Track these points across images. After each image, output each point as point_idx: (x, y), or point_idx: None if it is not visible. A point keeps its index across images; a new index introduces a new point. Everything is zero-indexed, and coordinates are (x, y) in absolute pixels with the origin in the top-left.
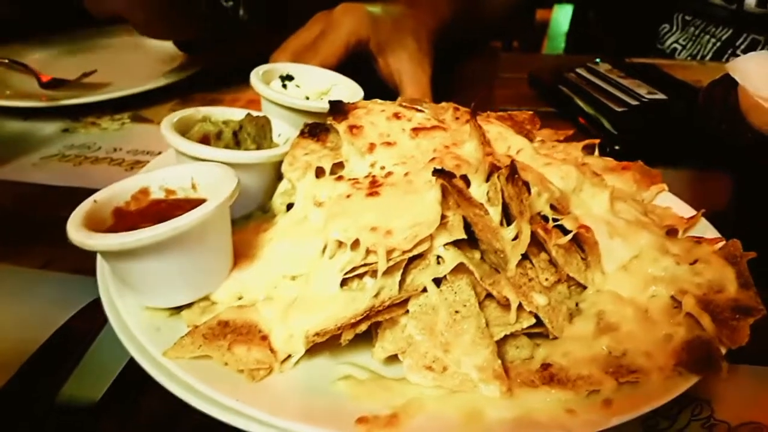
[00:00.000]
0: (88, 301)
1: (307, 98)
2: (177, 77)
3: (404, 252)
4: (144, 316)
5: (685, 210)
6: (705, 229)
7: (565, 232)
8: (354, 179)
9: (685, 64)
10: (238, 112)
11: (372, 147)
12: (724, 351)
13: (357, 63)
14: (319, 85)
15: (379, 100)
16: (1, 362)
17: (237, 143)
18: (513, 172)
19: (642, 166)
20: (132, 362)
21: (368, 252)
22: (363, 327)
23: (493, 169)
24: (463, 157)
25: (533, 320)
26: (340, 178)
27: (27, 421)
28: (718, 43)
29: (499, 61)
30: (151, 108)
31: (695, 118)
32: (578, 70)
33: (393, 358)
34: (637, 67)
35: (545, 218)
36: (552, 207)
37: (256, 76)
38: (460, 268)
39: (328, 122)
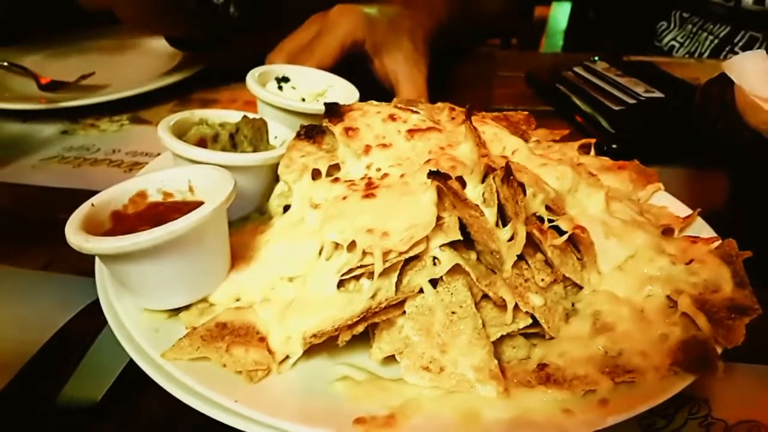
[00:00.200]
0: (88, 302)
1: (303, 100)
2: (175, 79)
3: (400, 253)
4: (142, 318)
5: (681, 209)
6: (701, 228)
7: (561, 232)
8: (350, 181)
9: (682, 62)
10: (234, 114)
11: (368, 149)
12: (719, 351)
13: (353, 64)
14: (315, 86)
15: (374, 102)
16: (1, 363)
17: (233, 146)
18: (508, 173)
19: (638, 166)
20: (132, 363)
21: (365, 254)
22: (360, 328)
23: (488, 171)
24: (459, 159)
25: (530, 321)
26: (336, 180)
27: (27, 422)
28: (716, 41)
29: (496, 61)
30: (150, 109)
31: (692, 117)
32: (576, 69)
33: (390, 359)
34: (634, 65)
35: (541, 219)
36: (547, 208)
37: (252, 77)
38: (456, 269)
39: (324, 124)
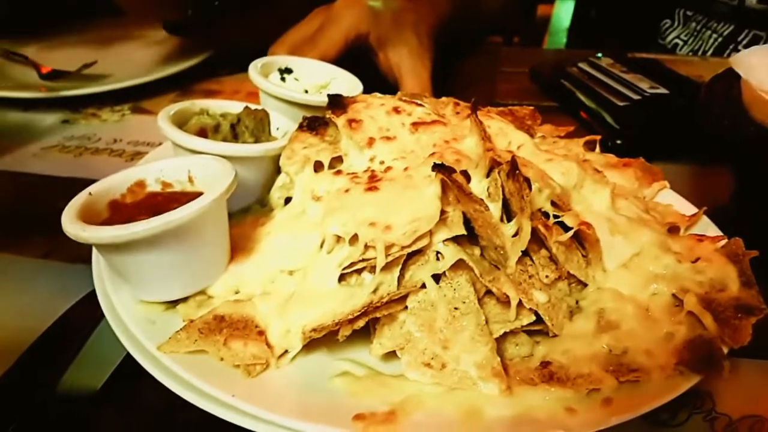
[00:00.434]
0: (88, 290)
1: (306, 92)
2: (177, 68)
3: (403, 247)
4: (139, 310)
5: (687, 207)
6: (707, 226)
7: (566, 228)
8: (353, 174)
9: (686, 59)
10: (236, 105)
11: (371, 141)
12: (725, 350)
13: (357, 57)
14: (318, 78)
15: (378, 94)
16: (1, 351)
17: (235, 136)
18: (514, 167)
19: (643, 163)
20: None
21: (367, 247)
22: (361, 323)
23: (493, 165)
24: (464, 153)
25: (533, 317)
26: (338, 172)
27: (27, 410)
28: (720, 39)
29: (500, 56)
30: (151, 99)
31: (697, 113)
32: (580, 65)
33: (391, 355)
34: (639, 62)
35: (546, 214)
36: (553, 203)
37: (254, 69)
38: (459, 265)
39: (327, 116)
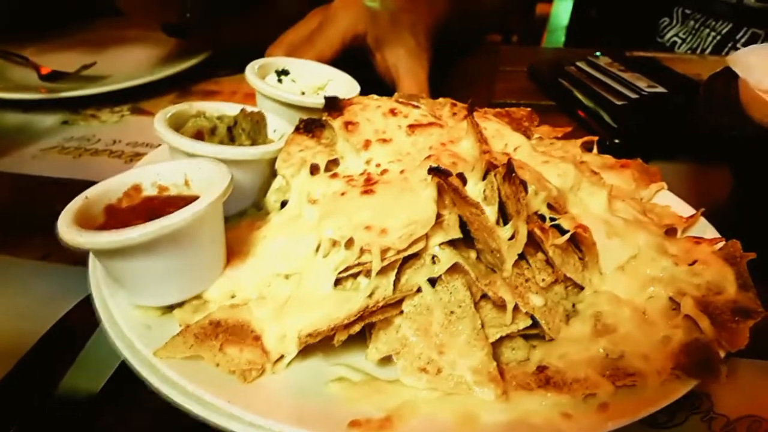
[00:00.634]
0: (87, 293)
1: (303, 93)
2: (176, 69)
3: (399, 251)
4: (135, 315)
5: (685, 209)
6: (704, 228)
7: (563, 231)
8: (349, 176)
9: (684, 58)
10: (232, 107)
11: (367, 144)
12: (723, 354)
13: (354, 57)
14: (315, 79)
15: (375, 96)
16: (1, 354)
17: (231, 139)
18: (510, 170)
19: (641, 164)
20: None
21: (362, 251)
22: (356, 328)
23: (490, 167)
24: (460, 155)
25: (529, 321)
26: (335, 175)
27: (26, 414)
28: (718, 37)
29: (499, 55)
30: (151, 100)
31: (695, 112)
32: (578, 64)
33: (387, 359)
34: (637, 61)
35: (542, 217)
36: (549, 206)
37: (251, 70)
38: (455, 268)
39: (324, 118)
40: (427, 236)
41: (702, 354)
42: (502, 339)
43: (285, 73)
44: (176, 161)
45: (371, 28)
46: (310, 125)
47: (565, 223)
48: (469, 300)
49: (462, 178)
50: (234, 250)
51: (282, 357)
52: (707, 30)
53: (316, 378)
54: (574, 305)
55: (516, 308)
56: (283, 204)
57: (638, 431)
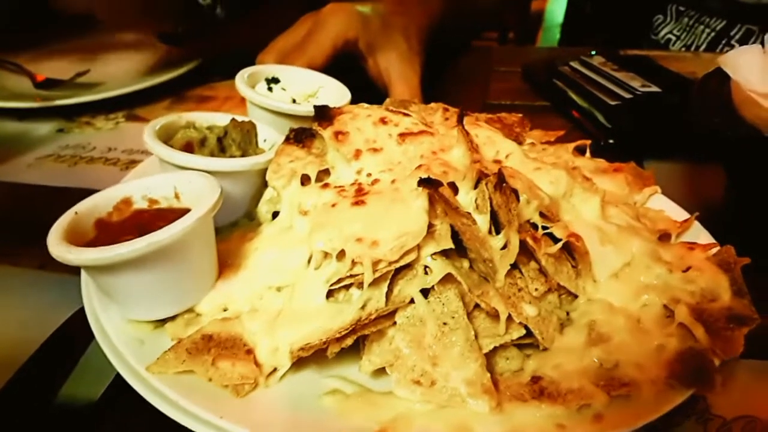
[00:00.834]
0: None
1: (294, 101)
2: (170, 75)
3: (391, 263)
4: (128, 329)
5: (679, 213)
6: (698, 232)
7: (555, 239)
8: (340, 187)
9: (679, 56)
10: (222, 117)
11: (358, 153)
12: (717, 363)
13: (346, 63)
14: (305, 87)
15: (365, 105)
16: (0, 362)
17: (222, 149)
18: (501, 180)
19: (634, 168)
20: None
21: (354, 263)
22: (349, 341)
23: (481, 176)
24: (451, 164)
25: (523, 331)
26: (326, 185)
27: (27, 422)
28: (713, 34)
29: (493, 56)
30: (146, 107)
31: (688, 112)
32: (572, 64)
33: (381, 371)
34: (631, 60)
35: (535, 226)
36: (541, 214)
37: (241, 79)
38: (448, 279)
39: (314, 128)
40: (418, 247)
41: (696, 363)
42: (495, 348)
43: (275, 81)
44: (166, 174)
45: (362, 32)
46: (300, 135)
47: (557, 232)
48: (462, 311)
49: (453, 187)
50: (226, 263)
51: (275, 370)
52: (701, 27)
53: (310, 391)
54: (568, 314)
55: (509, 318)
56: (275, 215)
57: None
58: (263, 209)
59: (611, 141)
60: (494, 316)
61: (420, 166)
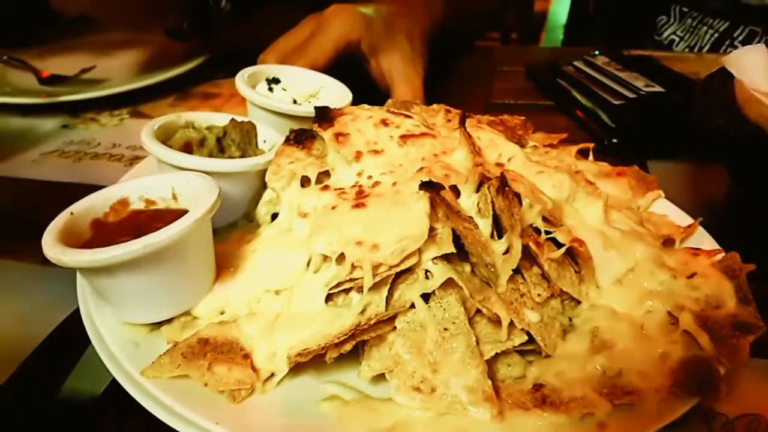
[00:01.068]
0: None
1: (295, 101)
2: (175, 72)
3: (391, 267)
4: (123, 332)
5: (682, 217)
6: (702, 237)
7: (558, 244)
8: (340, 189)
9: (682, 56)
10: (222, 117)
11: (359, 155)
12: (722, 371)
13: (349, 63)
14: (306, 87)
15: (366, 106)
16: (2, 358)
17: (221, 150)
18: (503, 183)
19: (638, 172)
20: None
21: (354, 267)
22: (347, 347)
23: (483, 180)
24: (453, 167)
25: (525, 337)
26: (326, 187)
27: (28, 417)
28: (716, 35)
29: (497, 56)
30: (150, 103)
31: (692, 111)
32: (576, 63)
33: (381, 377)
34: (634, 60)
35: (537, 230)
36: (544, 219)
37: (241, 79)
38: (449, 283)
39: (314, 129)
40: (420, 251)
41: (701, 371)
42: (497, 355)
43: (276, 81)
44: (164, 174)
45: (365, 34)
46: (301, 136)
47: (560, 237)
48: (464, 316)
49: (455, 190)
50: (223, 265)
51: (272, 375)
52: (705, 28)
53: (307, 397)
54: (570, 320)
55: (511, 324)
56: (274, 216)
57: None
58: (262, 210)
59: (615, 140)
60: (496, 321)
61: (421, 168)
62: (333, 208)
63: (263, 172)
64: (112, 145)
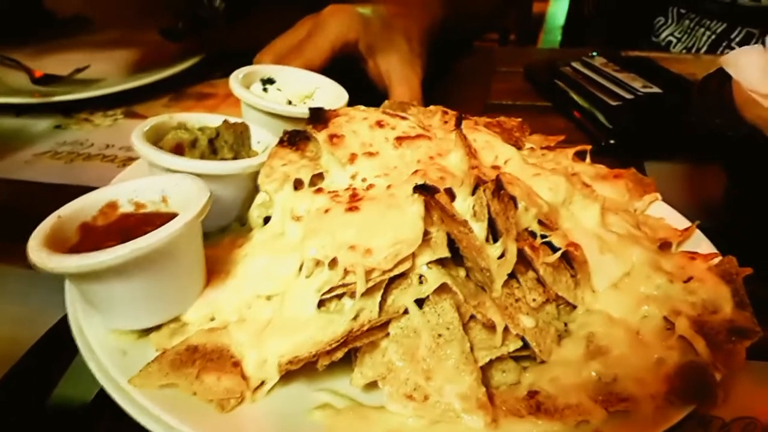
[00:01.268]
0: None
1: (290, 102)
2: (170, 72)
3: (384, 272)
4: (111, 339)
5: (679, 220)
6: (699, 241)
7: (554, 248)
8: (334, 192)
9: (679, 58)
10: (215, 118)
11: (353, 157)
12: (719, 377)
13: (346, 64)
14: (301, 88)
15: (362, 107)
16: None
17: (213, 151)
18: (499, 186)
19: (635, 174)
20: None
21: (346, 272)
22: (339, 354)
23: (479, 182)
24: (449, 169)
25: (520, 343)
26: (319, 190)
27: (19, 422)
28: (713, 36)
29: (495, 57)
30: (144, 104)
31: (690, 112)
32: (573, 64)
33: (373, 384)
34: (632, 61)
35: (533, 234)
36: (540, 222)
37: (235, 79)
38: (443, 288)
39: (308, 130)
40: (413, 255)
41: (697, 377)
42: (492, 361)
43: (270, 81)
44: (154, 177)
45: (363, 34)
46: (294, 138)
47: (556, 241)
48: (458, 322)
49: (450, 193)
50: (214, 270)
51: (262, 383)
52: (702, 29)
53: (299, 405)
54: (566, 325)
55: (506, 329)
56: (267, 220)
57: None
58: (255, 213)
59: (612, 141)
60: (490, 327)
61: (416, 171)
62: (326, 211)
63: (256, 174)
64: (105, 145)
